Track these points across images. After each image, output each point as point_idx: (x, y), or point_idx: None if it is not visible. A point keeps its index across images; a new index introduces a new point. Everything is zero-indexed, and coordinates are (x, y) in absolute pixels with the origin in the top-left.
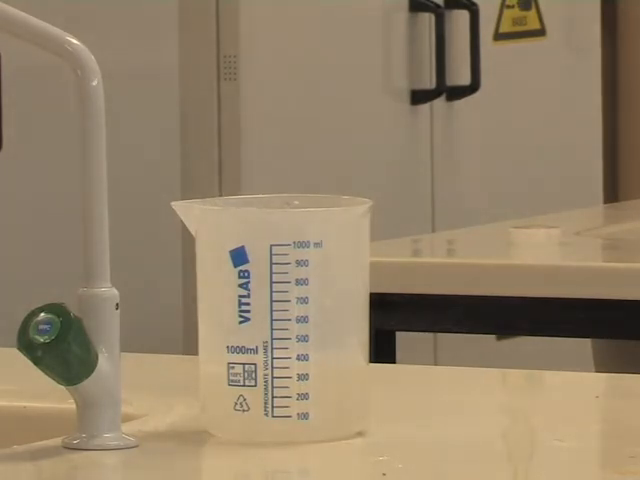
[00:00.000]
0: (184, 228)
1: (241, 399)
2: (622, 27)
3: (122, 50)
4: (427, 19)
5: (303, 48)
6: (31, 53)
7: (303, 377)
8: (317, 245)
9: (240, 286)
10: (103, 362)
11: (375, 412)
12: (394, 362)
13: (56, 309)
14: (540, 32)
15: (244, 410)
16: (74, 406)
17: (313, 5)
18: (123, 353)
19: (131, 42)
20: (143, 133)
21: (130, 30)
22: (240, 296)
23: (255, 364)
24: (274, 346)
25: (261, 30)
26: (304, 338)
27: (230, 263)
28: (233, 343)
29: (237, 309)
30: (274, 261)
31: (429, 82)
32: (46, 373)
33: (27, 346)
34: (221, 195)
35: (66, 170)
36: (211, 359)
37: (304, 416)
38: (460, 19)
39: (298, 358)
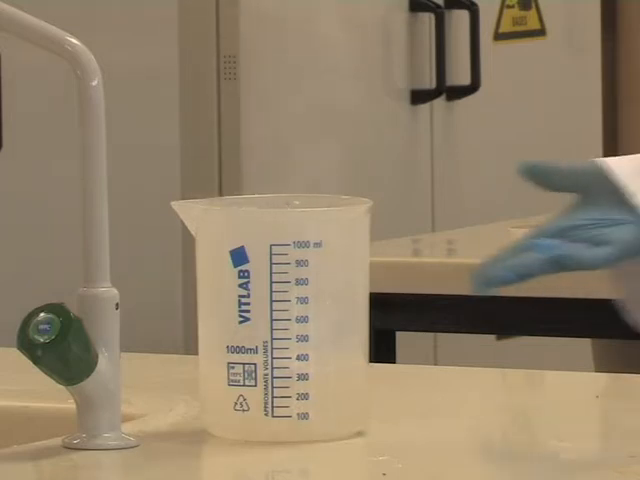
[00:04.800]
0: (184, 228)
1: (241, 399)
2: (622, 27)
3: (122, 50)
4: (427, 19)
5: (303, 48)
6: (31, 53)
7: (303, 377)
8: (317, 245)
9: (240, 286)
10: (103, 362)
11: (375, 412)
12: (394, 362)
13: (56, 309)
14: (540, 32)
15: (244, 410)
16: (74, 406)
17: (313, 5)
18: (123, 353)
19: (131, 42)
20: (143, 133)
21: (130, 30)
22: (240, 296)
23: (255, 364)
24: (274, 346)
25: (261, 30)
26: (304, 338)
27: (230, 263)
28: (233, 343)
29: (237, 309)
30: (274, 261)
31: (429, 82)
32: (46, 373)
33: (27, 346)
34: (221, 195)
35: (66, 170)
36: (211, 359)
37: (304, 416)
38: (460, 19)
39: (298, 358)
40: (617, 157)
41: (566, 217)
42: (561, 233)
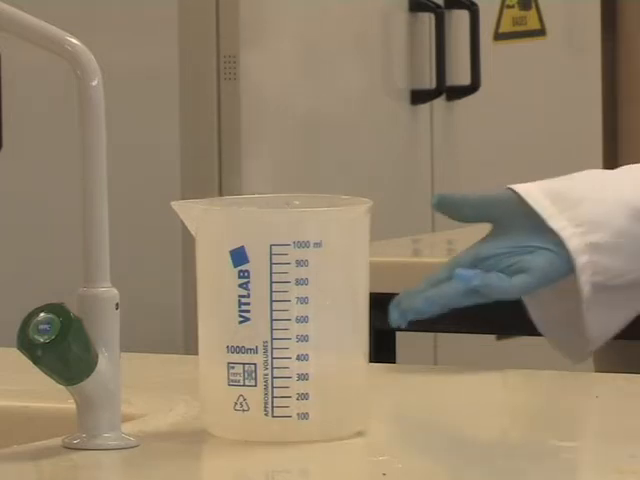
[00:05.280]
0: (184, 228)
1: (241, 399)
2: (622, 27)
3: (122, 50)
4: (427, 19)
5: (303, 48)
6: (31, 53)
7: (303, 377)
8: (317, 245)
9: (240, 286)
10: (103, 362)
11: (375, 412)
12: (394, 362)
13: (56, 309)
14: (540, 32)
15: (244, 410)
16: (74, 406)
17: (313, 5)
18: (123, 353)
19: (131, 42)
20: (143, 133)
21: (130, 30)
22: (240, 296)
23: (255, 364)
24: (274, 346)
25: (261, 30)
26: (304, 338)
27: (230, 263)
28: (233, 343)
29: (237, 309)
30: (274, 261)
31: (429, 82)
32: (46, 373)
33: (27, 346)
34: (221, 195)
35: (66, 170)
36: (211, 359)
37: (304, 416)
38: (460, 19)
39: (298, 358)
40: (526, 183)
41: (483, 246)
42: (478, 263)
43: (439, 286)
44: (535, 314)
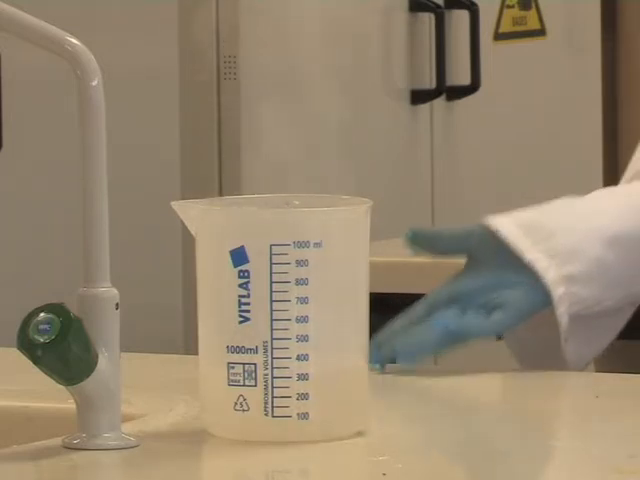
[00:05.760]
0: (184, 228)
1: (241, 399)
2: (622, 27)
3: (122, 50)
4: (427, 19)
5: (303, 48)
6: (31, 53)
7: (303, 377)
8: (317, 245)
9: (240, 286)
10: (103, 362)
11: (375, 412)
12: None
13: (56, 309)
14: (540, 32)
15: (244, 410)
16: (74, 406)
17: (313, 5)
18: (123, 353)
19: (131, 42)
20: (143, 133)
21: (130, 30)
22: (240, 296)
23: (255, 364)
24: (274, 346)
25: (261, 30)
26: (304, 338)
27: (230, 263)
28: (233, 343)
29: (237, 309)
30: (274, 261)
31: (429, 82)
32: (46, 373)
33: (27, 346)
34: (221, 195)
35: (66, 170)
36: (211, 359)
37: (304, 416)
38: (460, 19)
39: (298, 358)
40: (498, 216)
41: (459, 282)
42: (455, 299)
43: (416, 333)
44: (512, 347)
